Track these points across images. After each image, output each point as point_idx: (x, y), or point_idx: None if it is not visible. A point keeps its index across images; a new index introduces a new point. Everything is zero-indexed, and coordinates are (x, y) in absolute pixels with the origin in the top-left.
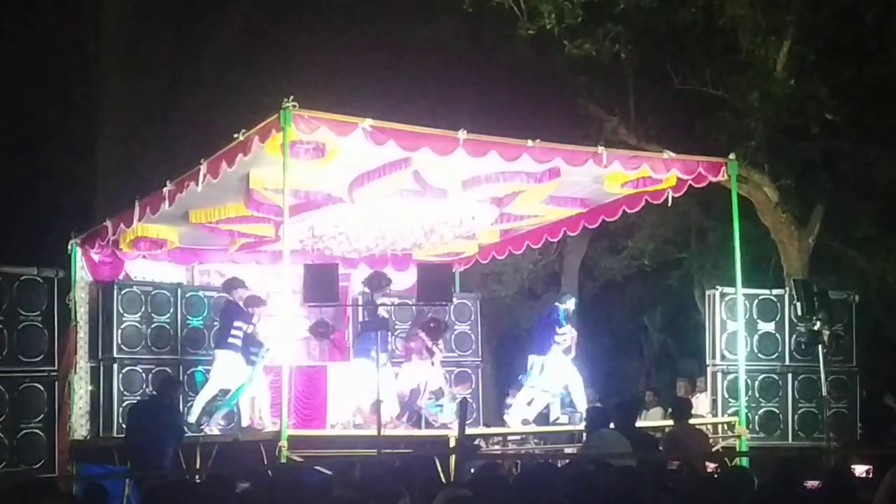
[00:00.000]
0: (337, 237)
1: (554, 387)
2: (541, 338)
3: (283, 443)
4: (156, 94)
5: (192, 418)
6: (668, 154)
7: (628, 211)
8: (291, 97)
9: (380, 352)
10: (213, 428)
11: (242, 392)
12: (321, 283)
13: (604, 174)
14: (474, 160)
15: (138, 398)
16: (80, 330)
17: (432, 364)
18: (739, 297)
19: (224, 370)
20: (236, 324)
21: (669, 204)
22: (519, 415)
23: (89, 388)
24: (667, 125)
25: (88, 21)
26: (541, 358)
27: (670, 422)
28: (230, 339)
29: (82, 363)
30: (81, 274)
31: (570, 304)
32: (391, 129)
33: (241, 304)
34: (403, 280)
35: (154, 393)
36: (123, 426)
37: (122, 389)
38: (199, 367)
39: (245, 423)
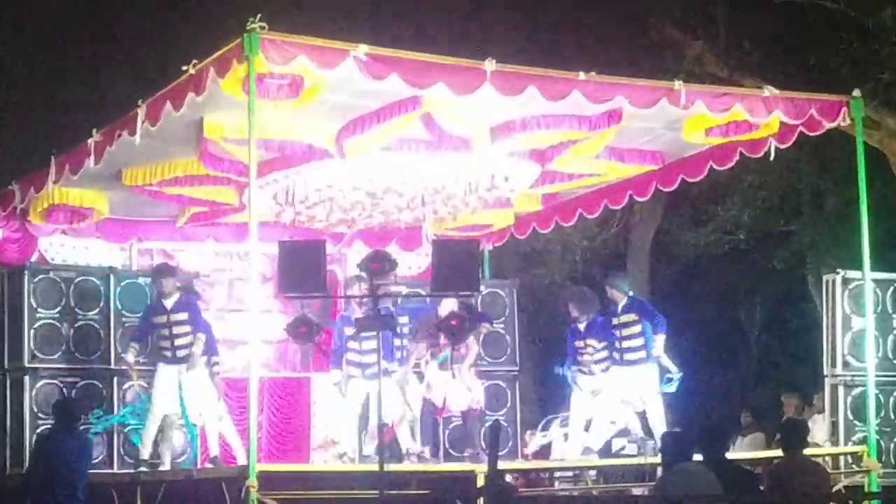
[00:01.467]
0: (322, 204)
1: (618, 405)
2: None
3: (252, 482)
4: (79, 14)
5: (144, 453)
6: (769, 90)
7: (717, 168)
8: (258, 16)
9: (381, 360)
10: (165, 460)
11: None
12: (302, 266)
13: (683, 118)
14: (506, 100)
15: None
16: None
17: (453, 377)
18: (868, 285)
19: (164, 387)
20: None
21: (772, 158)
22: (577, 441)
23: None
24: (769, 52)
25: None
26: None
27: (776, 452)
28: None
29: None
30: None
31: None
32: (394, 58)
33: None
34: (413, 262)
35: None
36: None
37: (35, 410)
38: (140, 381)
39: (213, 452)
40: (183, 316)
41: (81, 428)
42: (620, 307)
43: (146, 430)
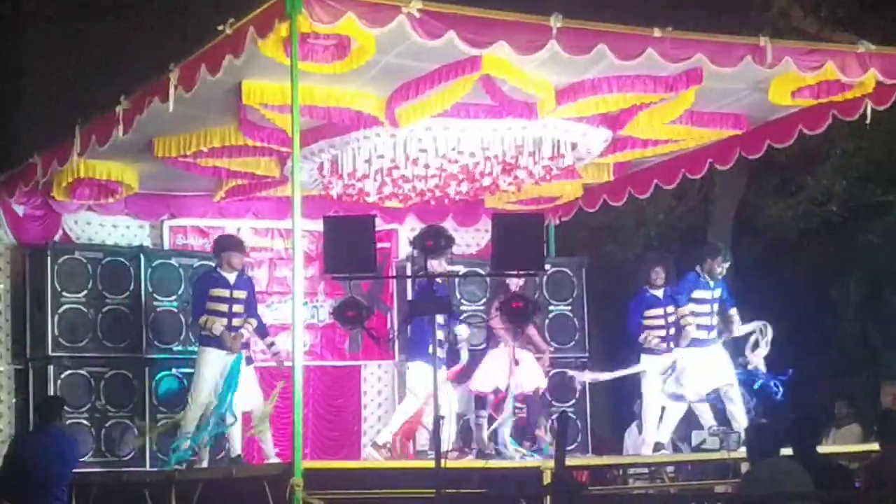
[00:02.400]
0: (372, 177)
1: (696, 391)
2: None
3: (297, 480)
4: None
5: (183, 448)
6: (864, 46)
7: (807, 133)
8: None
9: (438, 347)
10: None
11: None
12: (350, 244)
13: (769, 77)
14: (574, 59)
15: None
16: None
17: (517, 363)
18: None
19: (212, 373)
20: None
21: (868, 121)
22: (649, 436)
23: (13, 400)
24: (862, 3)
25: None
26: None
27: (873, 446)
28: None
29: (2, 365)
30: (0, 234)
31: (717, 265)
32: (450, 15)
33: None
34: (472, 239)
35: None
36: None
37: None
38: (172, 371)
39: (235, 451)
40: (242, 294)
41: (68, 423)
42: (714, 283)
43: (187, 421)
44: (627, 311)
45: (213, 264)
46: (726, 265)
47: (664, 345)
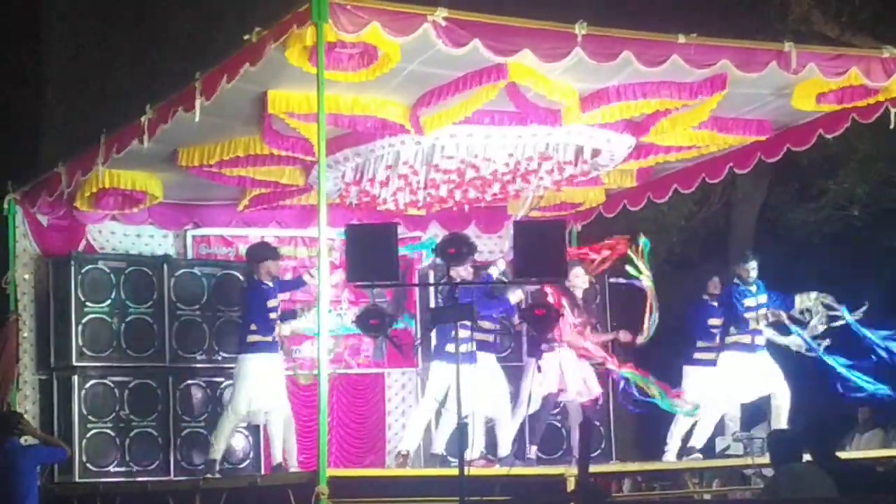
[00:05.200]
0: (396, 184)
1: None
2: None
3: (322, 488)
4: None
5: (216, 451)
6: (888, 51)
7: (826, 136)
8: None
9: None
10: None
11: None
12: (374, 252)
13: (793, 83)
14: (599, 66)
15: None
16: (23, 326)
17: (539, 370)
18: None
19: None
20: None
21: (892, 125)
22: (675, 440)
23: (38, 410)
24: (883, 7)
25: None
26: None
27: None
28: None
29: (27, 375)
30: (24, 244)
31: (743, 270)
32: (475, 23)
33: (268, 283)
34: (494, 246)
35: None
36: (88, 467)
37: (85, 413)
38: (196, 380)
39: (277, 458)
40: (277, 302)
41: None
42: (756, 289)
43: (222, 428)
44: (686, 319)
45: (250, 274)
46: (754, 264)
47: (712, 354)
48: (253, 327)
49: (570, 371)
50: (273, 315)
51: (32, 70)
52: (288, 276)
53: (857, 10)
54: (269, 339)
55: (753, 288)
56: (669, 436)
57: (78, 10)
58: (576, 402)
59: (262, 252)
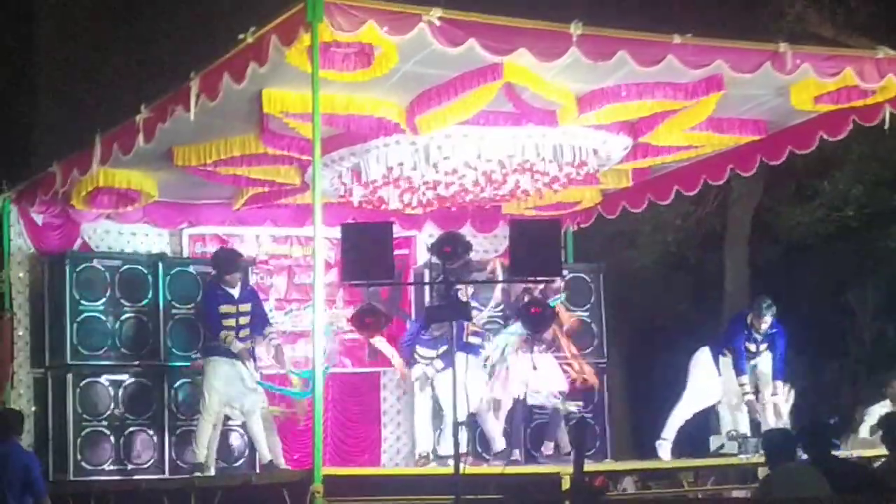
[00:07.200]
0: (392, 184)
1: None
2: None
3: (318, 487)
4: None
5: (199, 455)
6: (883, 52)
7: (828, 139)
8: None
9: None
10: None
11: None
12: (369, 251)
13: (789, 83)
14: (595, 66)
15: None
16: (18, 324)
17: (535, 368)
18: None
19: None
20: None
21: (887, 127)
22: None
23: (33, 409)
24: (882, 8)
25: None
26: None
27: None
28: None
29: (22, 373)
30: (19, 243)
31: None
32: (471, 23)
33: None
34: (490, 245)
35: None
36: (83, 465)
37: (79, 412)
38: (191, 379)
39: (265, 457)
40: (247, 307)
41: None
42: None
43: (200, 431)
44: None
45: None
46: (767, 320)
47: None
48: (204, 331)
49: (541, 372)
50: (227, 322)
51: (27, 69)
52: (278, 279)
53: (852, 11)
54: (218, 343)
55: (759, 336)
56: (667, 427)
57: (72, 8)
58: (550, 401)
59: (221, 262)
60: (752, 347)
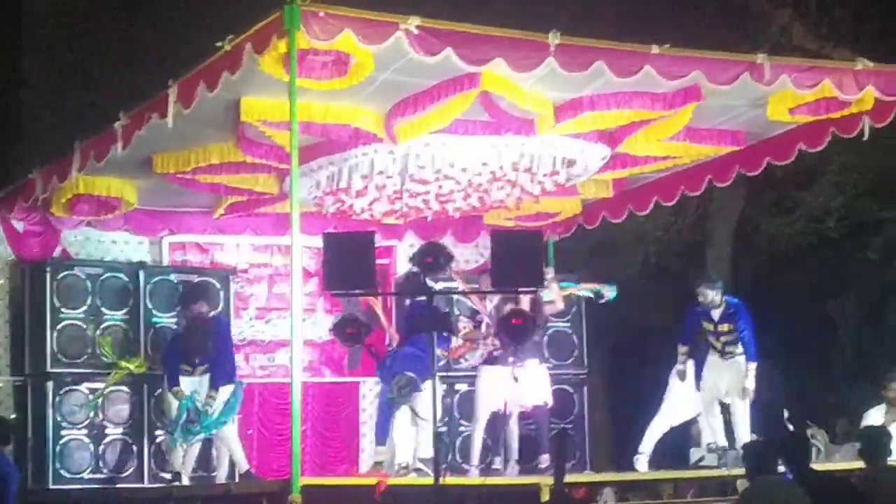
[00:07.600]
0: (371, 193)
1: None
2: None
3: (296, 497)
4: None
5: (176, 464)
6: (862, 63)
7: (807, 150)
8: None
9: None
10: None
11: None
12: (349, 261)
13: (767, 94)
14: (572, 76)
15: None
16: None
17: (515, 380)
18: None
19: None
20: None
21: (866, 138)
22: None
23: (12, 416)
24: (863, 21)
25: None
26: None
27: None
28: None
29: (1, 381)
30: None
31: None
32: (448, 32)
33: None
34: (471, 255)
35: None
36: (62, 473)
37: (58, 420)
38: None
39: (242, 467)
40: (200, 344)
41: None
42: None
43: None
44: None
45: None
46: (713, 292)
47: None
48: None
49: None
50: (187, 367)
51: (9, 76)
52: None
53: (836, 24)
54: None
55: (715, 313)
56: (644, 441)
57: (56, 15)
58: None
59: (186, 300)
60: (710, 326)
